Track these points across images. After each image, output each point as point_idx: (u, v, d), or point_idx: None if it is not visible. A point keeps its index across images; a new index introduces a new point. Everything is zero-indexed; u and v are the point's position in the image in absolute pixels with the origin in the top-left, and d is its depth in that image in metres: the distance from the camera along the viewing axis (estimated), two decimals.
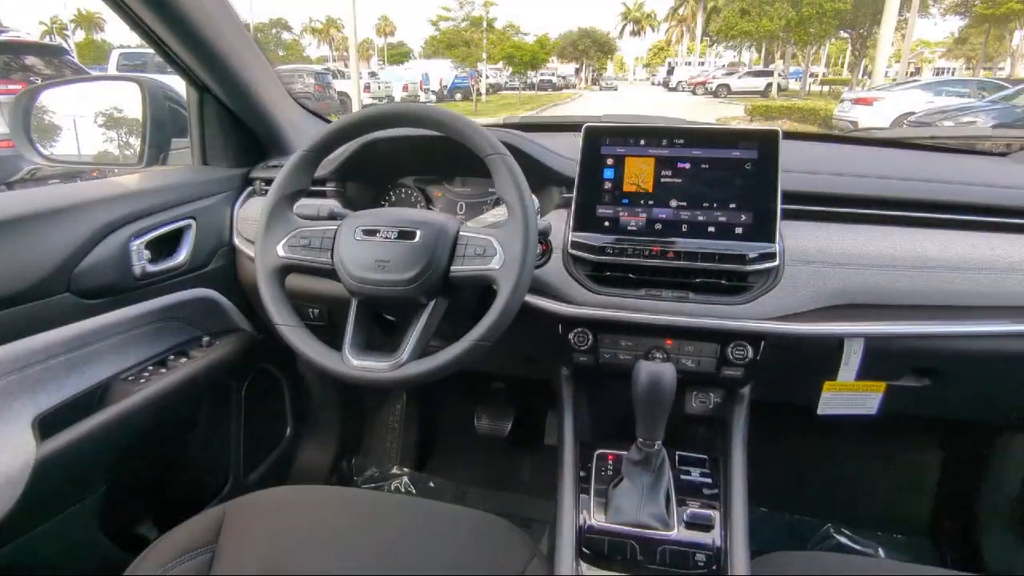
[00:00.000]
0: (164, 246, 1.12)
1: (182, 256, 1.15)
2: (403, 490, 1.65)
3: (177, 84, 1.31)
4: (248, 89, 1.21)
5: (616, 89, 43.25)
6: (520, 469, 1.70)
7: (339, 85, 17.16)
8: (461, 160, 0.91)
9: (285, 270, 0.92)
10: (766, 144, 0.94)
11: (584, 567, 0.85)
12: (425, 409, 1.78)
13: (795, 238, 0.95)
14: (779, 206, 0.92)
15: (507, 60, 24.20)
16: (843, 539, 1.44)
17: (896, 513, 1.52)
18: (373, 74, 23.48)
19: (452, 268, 0.85)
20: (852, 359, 0.96)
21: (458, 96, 24.38)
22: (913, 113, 9.95)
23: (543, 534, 1.43)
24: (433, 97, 22.96)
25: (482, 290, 0.98)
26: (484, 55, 25.81)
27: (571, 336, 1.00)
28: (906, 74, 20.58)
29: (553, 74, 42.11)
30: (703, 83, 29.71)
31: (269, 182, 1.23)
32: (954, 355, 0.97)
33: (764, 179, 0.93)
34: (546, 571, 0.84)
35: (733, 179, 0.94)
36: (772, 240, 0.91)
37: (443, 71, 25.87)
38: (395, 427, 1.75)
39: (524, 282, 0.82)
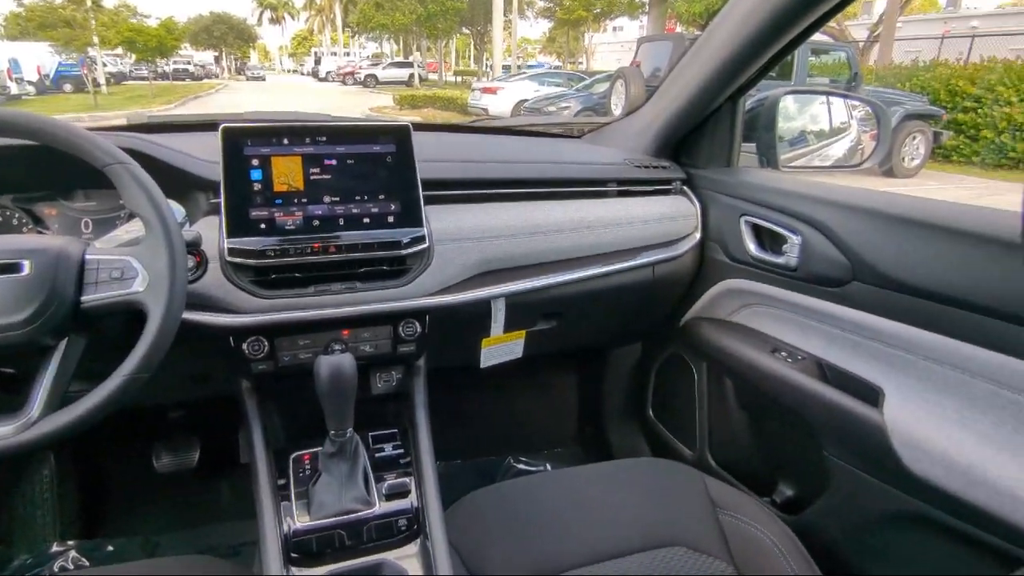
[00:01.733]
0: None
1: None
2: (72, 567, 1.38)
3: None
4: None
5: (264, 79, 40.86)
6: (219, 497, 1.57)
7: None
8: (79, 169, 0.79)
9: None
10: (400, 138, 1.04)
11: (295, 571, 0.86)
12: (85, 467, 1.51)
13: (439, 220, 1.08)
14: (421, 193, 1.03)
15: (127, 45, 20.66)
16: (521, 466, 1.73)
17: (553, 433, 1.89)
18: None
19: (84, 299, 0.75)
20: (499, 316, 1.15)
21: (68, 87, 20.10)
22: (526, 100, 12.32)
23: (255, 556, 1.37)
24: (32, 89, 18.49)
25: (130, 317, 0.88)
26: (95, 39, 21.58)
27: (245, 346, 0.97)
28: (517, 67, 24.23)
29: (189, 62, 37.68)
30: (351, 73, 30.18)
31: None
32: (567, 298, 1.23)
33: (404, 170, 1.03)
34: None
35: (377, 172, 1.02)
36: (420, 225, 1.02)
37: (41, 57, 20.87)
38: (45, 497, 1.44)
39: (177, 301, 0.77)
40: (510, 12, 23.16)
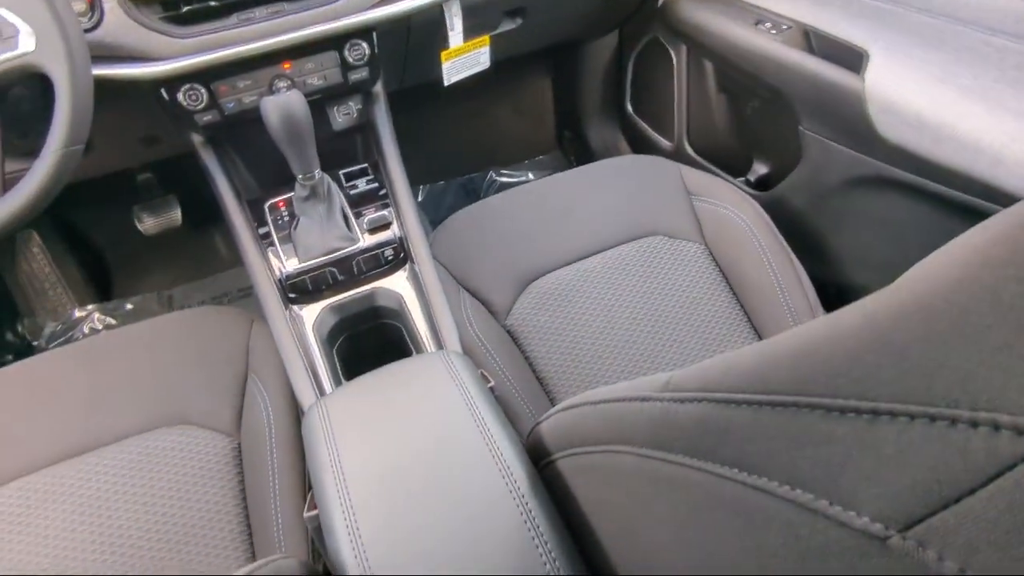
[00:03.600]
0: None
1: None
2: (100, 328, 1.48)
3: None
4: None
5: None
6: (213, 247, 1.62)
7: None
8: None
9: None
10: None
11: (296, 310, 0.91)
12: (72, 237, 1.51)
13: None
14: None
15: None
16: (503, 179, 1.73)
17: (533, 141, 1.84)
18: None
19: None
20: (455, 22, 1.02)
21: None
22: None
23: None
24: None
25: (36, 83, 0.78)
26: None
27: (181, 97, 0.88)
28: None
29: None
30: None
31: None
32: None
33: None
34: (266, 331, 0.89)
35: None
36: None
37: None
38: (46, 272, 1.49)
39: (79, 57, 0.67)
40: None
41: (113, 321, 1.49)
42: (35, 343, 1.46)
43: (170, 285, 1.58)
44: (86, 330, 1.46)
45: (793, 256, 0.98)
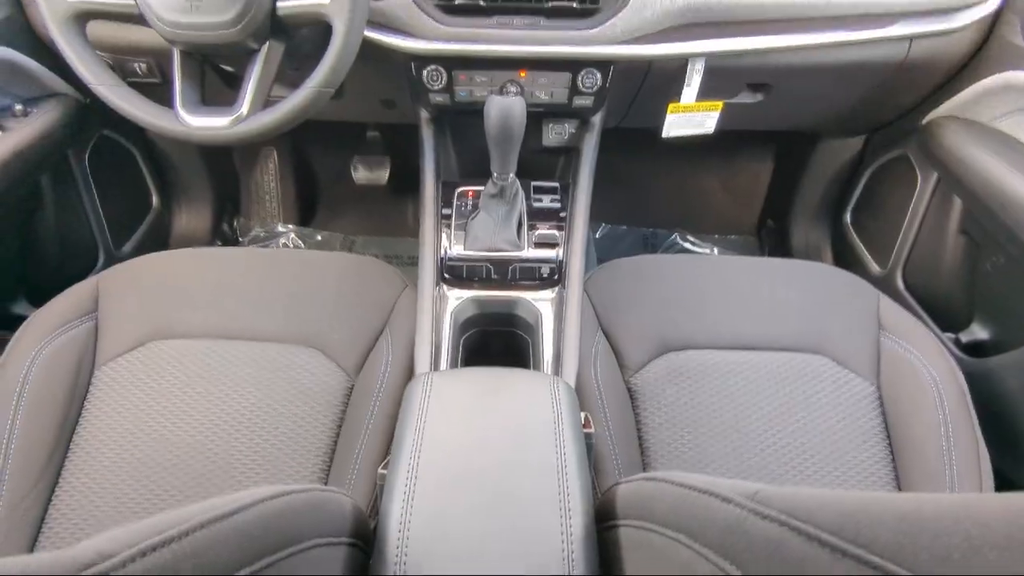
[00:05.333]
0: None
1: None
2: (291, 246, 1.69)
3: None
4: None
5: None
6: (404, 214, 1.76)
7: None
8: None
9: (82, 17, 0.80)
10: None
11: (445, 289, 0.96)
12: (300, 164, 1.74)
13: None
14: None
15: None
16: (687, 244, 1.68)
17: (730, 219, 1.76)
18: None
19: (279, 5, 0.77)
20: (694, 79, 1.01)
21: None
22: None
23: None
24: None
25: (323, 30, 0.91)
26: None
27: (425, 74, 0.97)
28: None
29: None
30: None
31: None
32: (783, 68, 1.03)
33: None
34: (414, 297, 0.94)
35: None
36: None
37: None
38: (271, 185, 1.72)
39: (359, 15, 0.76)
40: None
41: (301, 244, 1.69)
42: (241, 239, 1.70)
43: (356, 232, 1.75)
44: (280, 242, 1.67)
45: (981, 441, 0.83)
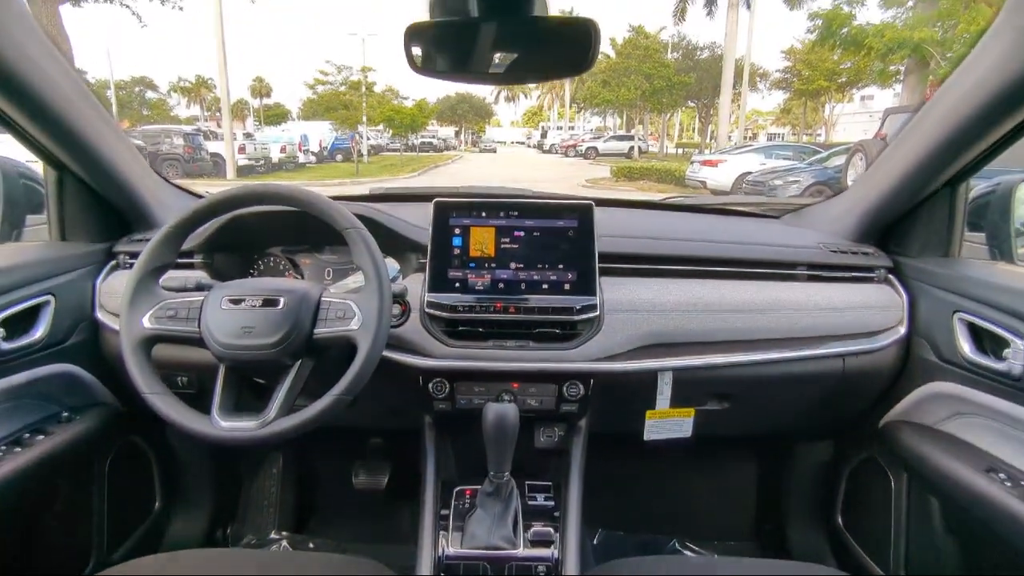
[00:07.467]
0: (20, 323, 1.12)
1: (39, 332, 1.14)
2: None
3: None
4: (109, 166, 1.21)
5: (495, 151, 44.94)
6: (401, 519, 1.75)
7: (212, 147, 16.51)
8: (326, 231, 1.02)
9: (151, 341, 0.96)
10: (584, 215, 1.14)
11: None
12: (302, 470, 1.80)
13: (612, 291, 1.14)
14: (597, 265, 1.11)
15: (387, 123, 24.72)
16: (688, 552, 1.63)
17: (725, 523, 1.75)
18: (248, 135, 22.68)
19: (316, 331, 0.94)
20: (665, 389, 1.16)
21: (339, 157, 24.15)
22: (750, 173, 11.33)
23: None
24: (313, 158, 22.66)
25: (347, 350, 1.08)
26: (364, 118, 26.23)
27: (430, 386, 1.12)
28: (744, 139, 23.58)
29: (434, 136, 43.04)
30: (573, 146, 31.74)
31: (133, 256, 1.26)
32: (741, 380, 1.20)
33: (584, 243, 1.12)
34: None
35: (560, 244, 1.13)
36: (593, 294, 1.10)
37: (323, 132, 25.74)
38: (272, 491, 1.75)
39: (380, 339, 0.93)
40: (740, 84, 22.78)
41: (290, 549, 1.64)
42: (231, 547, 1.65)
43: (351, 538, 1.71)
44: (273, 548, 1.63)
45: None
